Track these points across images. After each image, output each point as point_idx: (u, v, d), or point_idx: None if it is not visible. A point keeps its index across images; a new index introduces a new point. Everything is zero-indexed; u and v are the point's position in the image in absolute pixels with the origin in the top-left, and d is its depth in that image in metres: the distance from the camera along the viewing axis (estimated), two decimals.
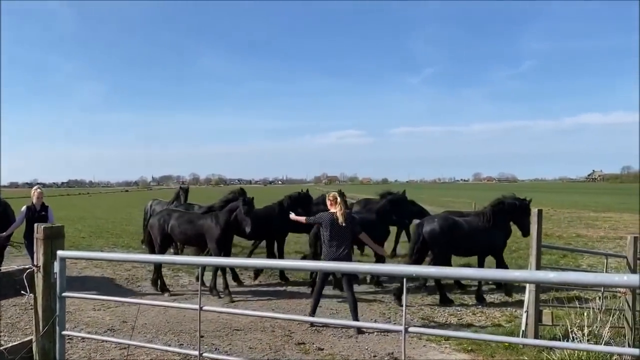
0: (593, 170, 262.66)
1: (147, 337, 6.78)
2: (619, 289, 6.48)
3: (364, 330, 6.94)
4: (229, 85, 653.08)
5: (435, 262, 8.74)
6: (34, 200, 9.21)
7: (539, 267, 6.29)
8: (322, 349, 6.31)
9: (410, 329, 3.00)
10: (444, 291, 8.79)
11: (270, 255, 10.96)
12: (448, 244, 8.71)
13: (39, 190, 9.33)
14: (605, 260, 7.75)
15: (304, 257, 10.94)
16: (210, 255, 9.09)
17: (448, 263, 8.80)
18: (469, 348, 6.30)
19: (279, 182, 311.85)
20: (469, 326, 7.50)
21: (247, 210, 8.82)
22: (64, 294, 3.96)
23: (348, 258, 7.26)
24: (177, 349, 5.37)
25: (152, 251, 9.66)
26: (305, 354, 6.17)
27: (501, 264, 9.20)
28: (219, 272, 9.16)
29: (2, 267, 8.57)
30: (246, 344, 6.51)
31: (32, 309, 4.11)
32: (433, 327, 7.18)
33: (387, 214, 10.02)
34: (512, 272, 2.88)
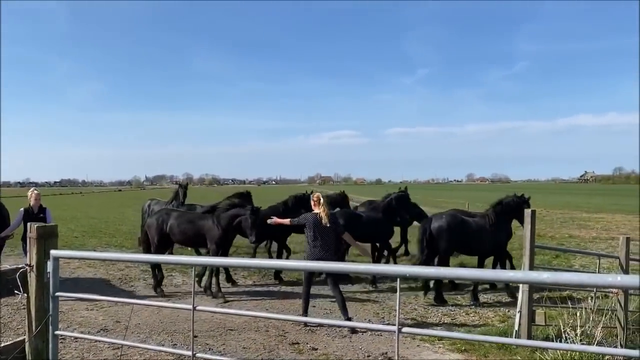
0: (585, 172, 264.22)
1: (140, 337, 6.75)
2: (611, 289, 6.53)
3: (358, 330, 6.95)
4: (223, 86, 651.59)
5: (440, 260, 8.78)
6: (32, 202, 8.99)
7: (532, 267, 6.32)
8: (316, 349, 6.32)
9: (404, 329, 3.01)
10: (440, 290, 8.82)
11: (279, 255, 11.35)
12: (455, 241, 8.75)
13: (36, 192, 9.12)
14: (598, 261, 7.79)
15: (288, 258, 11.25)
16: (210, 255, 9.05)
17: (447, 263, 8.85)
18: (463, 348, 6.32)
19: (273, 182, 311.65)
20: (462, 326, 7.54)
21: (253, 220, 8.79)
22: (57, 294, 3.93)
23: (331, 258, 7.28)
24: (170, 349, 5.34)
25: (146, 251, 9.60)
26: (299, 353, 6.18)
27: (501, 265, 9.27)
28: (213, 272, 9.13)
29: None
30: (240, 344, 6.50)
31: (24, 308, 4.09)
32: (427, 327, 7.20)
33: (393, 211, 10.10)
34: (506, 272, 2.89)
